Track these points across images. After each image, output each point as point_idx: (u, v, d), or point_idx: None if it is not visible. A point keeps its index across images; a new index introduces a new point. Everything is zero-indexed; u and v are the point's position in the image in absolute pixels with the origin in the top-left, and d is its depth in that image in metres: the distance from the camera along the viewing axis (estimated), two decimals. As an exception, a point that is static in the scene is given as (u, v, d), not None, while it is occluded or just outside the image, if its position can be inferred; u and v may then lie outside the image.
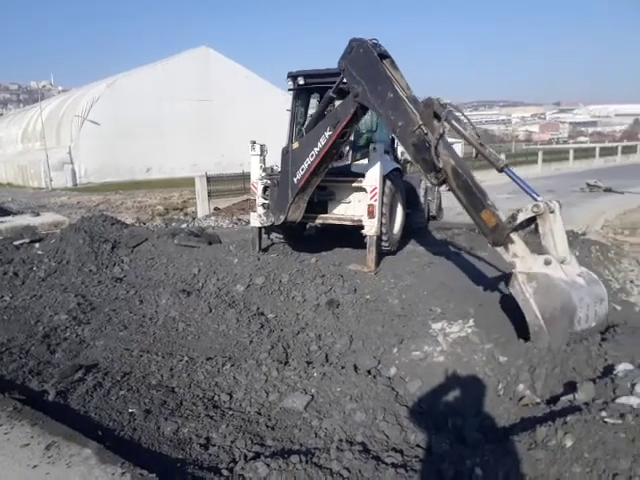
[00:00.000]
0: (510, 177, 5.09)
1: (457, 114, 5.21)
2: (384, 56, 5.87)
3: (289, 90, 8.45)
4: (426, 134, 5.23)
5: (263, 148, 8.09)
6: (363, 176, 7.62)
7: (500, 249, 4.92)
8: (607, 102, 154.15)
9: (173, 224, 13.01)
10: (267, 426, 3.76)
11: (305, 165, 6.92)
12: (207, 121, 32.86)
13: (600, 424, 3.21)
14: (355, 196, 7.91)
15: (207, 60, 34.94)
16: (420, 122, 5.29)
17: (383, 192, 7.67)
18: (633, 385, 3.49)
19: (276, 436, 3.64)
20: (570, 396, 3.65)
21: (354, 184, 7.74)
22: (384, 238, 7.85)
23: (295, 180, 7.09)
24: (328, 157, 6.82)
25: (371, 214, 7.49)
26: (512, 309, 5.32)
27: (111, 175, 29.48)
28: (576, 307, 4.29)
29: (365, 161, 7.71)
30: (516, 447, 3.16)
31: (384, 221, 7.69)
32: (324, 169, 7.05)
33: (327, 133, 6.59)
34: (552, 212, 4.68)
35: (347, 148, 8.18)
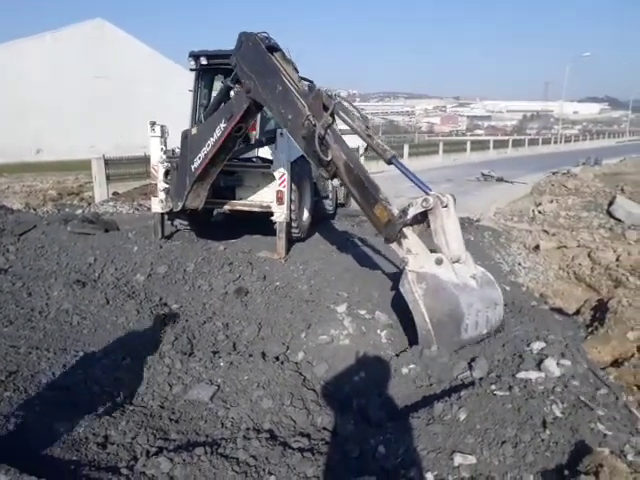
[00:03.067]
0: (398, 169, 4.93)
1: (346, 105, 5.08)
2: (274, 49, 5.76)
3: (191, 70, 8.12)
4: (314, 126, 5.07)
5: (164, 129, 7.73)
6: (271, 162, 7.54)
7: (394, 245, 4.64)
8: (500, 98, 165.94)
9: (67, 210, 12.08)
10: (171, 419, 3.62)
11: (202, 154, 6.70)
12: (105, 100, 30.73)
13: (490, 397, 3.46)
14: (264, 182, 7.82)
15: (103, 34, 32.55)
16: (308, 114, 5.17)
17: (292, 179, 7.65)
18: (541, 361, 3.76)
19: (180, 429, 3.52)
20: (467, 373, 3.88)
21: (263, 170, 7.65)
22: (294, 225, 7.85)
23: (192, 168, 6.86)
24: (225, 149, 6.64)
25: (280, 200, 7.45)
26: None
27: (-6, 156, 26.76)
28: (464, 314, 4.04)
29: (272, 147, 7.63)
30: (415, 423, 3.32)
31: (293, 208, 7.68)
32: (222, 160, 6.83)
33: (222, 125, 6.39)
34: (445, 207, 4.38)
35: (254, 133, 8.05)
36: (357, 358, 4.62)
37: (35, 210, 12.20)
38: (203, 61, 7.72)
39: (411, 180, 4.84)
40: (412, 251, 4.45)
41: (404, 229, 4.50)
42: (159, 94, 29.31)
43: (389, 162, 4.92)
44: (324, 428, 3.51)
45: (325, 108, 5.06)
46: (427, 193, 4.46)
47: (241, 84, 6.09)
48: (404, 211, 4.49)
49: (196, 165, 6.81)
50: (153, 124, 7.66)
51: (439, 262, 4.21)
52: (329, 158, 5.06)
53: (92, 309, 5.51)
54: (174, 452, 3.11)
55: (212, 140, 6.54)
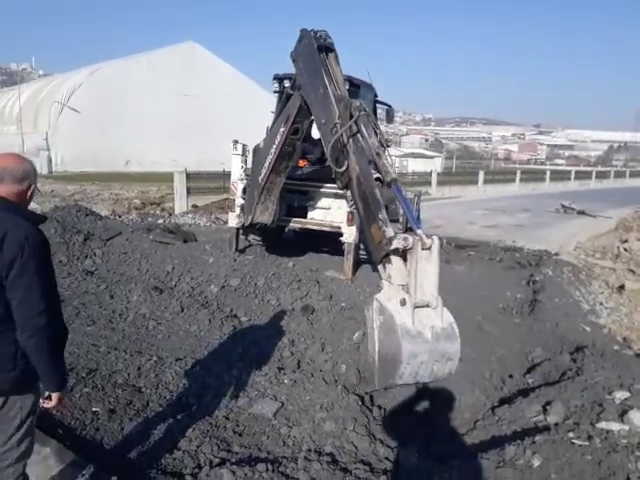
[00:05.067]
0: (395, 195, 4.68)
1: (368, 120, 4.93)
2: (329, 49, 5.76)
3: (274, 92, 8.40)
4: (341, 135, 5.02)
5: (245, 148, 8.02)
6: (345, 183, 7.59)
7: (379, 267, 4.37)
8: (584, 127, 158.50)
9: (149, 219, 12.77)
10: (235, 432, 3.68)
11: (266, 164, 6.87)
12: (190, 117, 32.47)
13: (568, 445, 3.25)
14: (335, 202, 7.89)
15: (192, 55, 34.60)
16: (337, 121, 5.16)
17: (363, 200, 7.64)
18: (624, 412, 3.50)
19: (243, 442, 3.56)
20: (541, 417, 3.67)
21: (335, 191, 7.73)
22: (362, 246, 7.84)
23: (259, 179, 7.04)
24: (285, 155, 6.73)
25: (350, 221, 7.47)
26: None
27: (88, 165, 28.87)
28: (401, 362, 3.80)
29: (347, 168, 7.68)
30: (484, 464, 3.16)
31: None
32: (285, 168, 6.93)
33: (281, 130, 6.54)
34: (427, 249, 4.00)
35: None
36: (423, 389, 4.49)
37: (120, 217, 13.00)
38: (287, 83, 7.97)
39: (404, 211, 4.61)
40: (391, 280, 4.19)
41: (391, 256, 4.21)
42: (242, 114, 30.54)
43: (388, 185, 4.63)
44: (386, 458, 3.43)
45: (352, 117, 5.00)
46: (414, 230, 4.06)
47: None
48: (390, 239, 4.16)
49: (262, 176, 6.99)
50: (235, 143, 7.98)
51: (402, 303, 3.94)
52: (344, 168, 4.96)
53: (167, 315, 5.76)
54: (236, 465, 3.15)
55: (274, 147, 6.71)
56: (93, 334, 5.16)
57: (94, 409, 3.73)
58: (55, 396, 2.23)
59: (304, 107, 6.17)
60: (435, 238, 3.97)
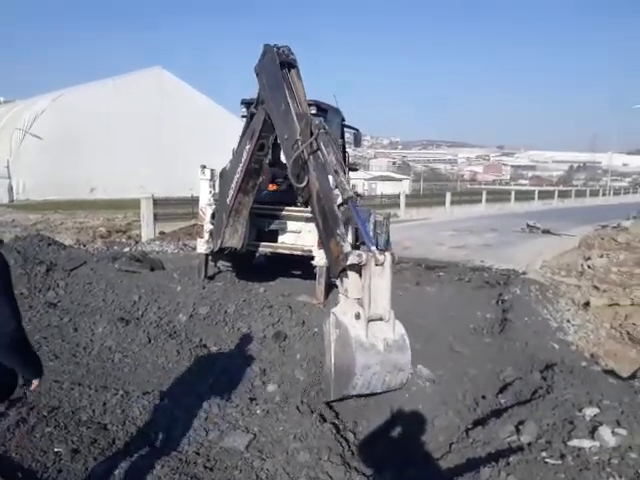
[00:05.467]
0: (350, 214, 4.84)
1: (328, 139, 5.15)
2: (291, 65, 5.86)
3: (242, 117, 8.43)
4: (302, 151, 5.20)
5: (213, 173, 7.98)
6: (314, 207, 7.61)
7: (337, 281, 4.65)
8: (545, 148, 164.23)
9: (115, 247, 12.50)
10: (205, 467, 3.55)
11: (233, 184, 6.87)
12: (157, 142, 32.23)
13: (541, 465, 3.26)
14: (306, 226, 7.88)
15: (160, 81, 34.52)
16: (298, 138, 5.28)
17: (334, 224, 7.67)
18: (594, 428, 3.54)
19: (215, 478, 3.44)
20: (514, 437, 3.68)
21: (305, 214, 7.73)
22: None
23: (227, 201, 7.01)
24: (252, 172, 6.75)
25: (321, 245, 7.47)
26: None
27: (52, 193, 28.18)
28: (355, 374, 3.99)
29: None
30: (460, 489, 3.13)
31: (334, 253, 7.68)
32: (252, 187, 6.93)
33: (247, 147, 6.59)
34: (380, 265, 4.25)
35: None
36: (398, 413, 4.46)
37: (85, 246, 12.68)
38: (254, 109, 8.02)
39: (359, 228, 4.71)
40: (347, 294, 4.43)
41: (348, 271, 4.43)
42: (211, 139, 30.43)
43: (344, 202, 4.83)
44: (362, 487, 3.36)
45: (312, 135, 5.15)
46: (369, 247, 4.34)
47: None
48: (346, 255, 4.41)
49: (230, 197, 6.95)
50: (203, 168, 7.93)
51: (357, 317, 4.18)
52: (304, 184, 5.16)
53: (134, 347, 5.58)
54: (207, 503, 3.04)
55: (240, 166, 6.71)
56: (56, 369, 4.95)
57: (56, 449, 3.55)
58: (36, 381, 2.53)
59: (268, 121, 6.23)
60: (387, 254, 4.29)
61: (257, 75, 6.27)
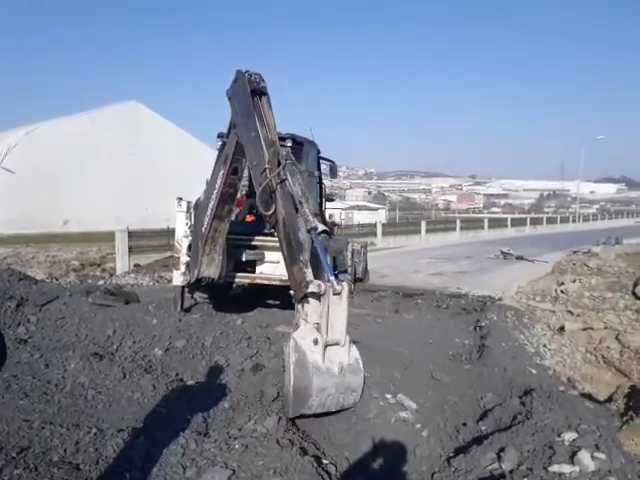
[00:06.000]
0: (312, 243, 5.08)
1: (294, 169, 5.39)
2: (262, 93, 5.97)
3: (218, 150, 8.49)
4: (270, 180, 5.39)
5: (189, 205, 7.96)
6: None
7: (299, 306, 4.86)
8: (516, 177, 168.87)
9: (89, 281, 12.28)
10: (183, 506, 3.43)
11: (208, 211, 6.88)
12: (133, 175, 32.06)
13: (523, 492, 3.24)
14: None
15: (136, 114, 34.61)
16: (267, 166, 5.46)
17: (311, 254, 7.70)
18: (574, 453, 3.55)
19: (192, 517, 3.32)
20: (496, 464, 3.66)
21: (283, 245, 7.74)
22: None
23: (203, 229, 7.00)
24: (227, 197, 6.80)
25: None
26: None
27: (24, 227, 27.60)
28: (311, 396, 4.31)
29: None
30: (444, 520, 3.09)
31: (312, 282, 7.68)
32: (227, 213, 6.97)
33: (221, 172, 6.68)
34: (338, 294, 4.53)
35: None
36: (379, 443, 4.41)
37: (58, 280, 12.41)
38: (225, 137, 8.10)
39: (319, 258, 4.92)
40: (307, 319, 4.68)
41: (309, 297, 4.67)
42: (187, 171, 30.43)
43: (308, 232, 5.09)
44: (344, 522, 3.29)
45: (280, 164, 5.36)
46: (327, 278, 4.61)
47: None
48: (307, 283, 4.66)
49: (205, 225, 6.94)
50: (180, 200, 7.91)
51: (315, 342, 4.46)
52: (272, 211, 5.38)
53: (108, 383, 5.42)
54: None
55: (215, 192, 6.75)
56: (26, 408, 4.75)
57: (25, 493, 3.40)
58: None
59: (240, 145, 6.33)
60: (345, 284, 4.57)
61: (229, 99, 6.39)
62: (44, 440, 4.11)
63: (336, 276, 4.72)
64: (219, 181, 6.71)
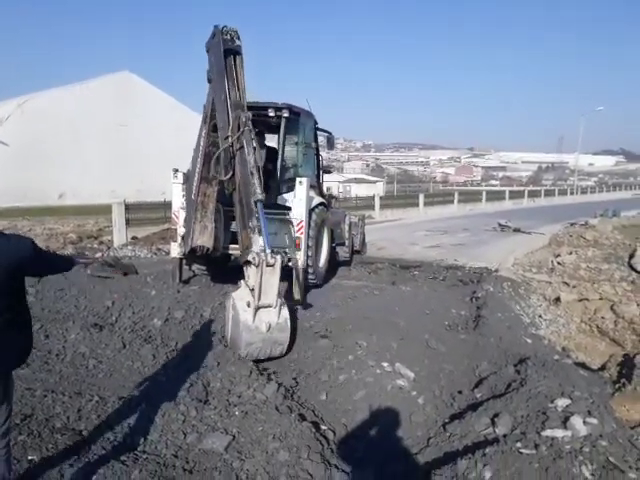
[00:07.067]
0: (256, 215, 5.52)
1: (251, 139, 5.68)
2: (237, 52, 5.90)
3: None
4: (231, 145, 5.63)
5: (186, 176, 7.90)
6: (289, 209, 7.63)
7: (244, 268, 5.49)
8: (514, 150, 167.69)
9: (86, 253, 12.26)
10: (184, 470, 3.51)
11: (195, 176, 6.90)
12: (128, 147, 31.74)
13: (516, 455, 3.33)
14: (282, 228, 7.89)
15: (128, 85, 34.03)
16: (229, 133, 5.66)
17: (309, 225, 7.71)
18: (566, 418, 3.63)
19: (194, 480, 3.41)
20: (490, 429, 3.75)
21: (281, 217, 7.73)
22: (310, 271, 7.85)
23: (192, 196, 6.99)
24: (211, 158, 6.70)
25: (297, 247, 7.49)
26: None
27: (19, 199, 27.43)
28: (240, 347, 5.18)
29: (291, 195, 7.75)
30: (439, 481, 3.18)
31: (310, 254, 7.72)
32: (214, 175, 6.79)
33: (203, 132, 6.77)
34: (271, 266, 5.12)
35: (274, 181, 8.19)
36: (376, 410, 4.50)
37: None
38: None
39: (260, 231, 5.47)
40: (248, 282, 5.31)
41: (251, 262, 5.25)
42: (182, 143, 30.09)
43: (255, 204, 5.52)
44: (342, 484, 3.38)
45: (239, 129, 5.64)
46: (264, 249, 5.23)
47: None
48: (248, 251, 5.32)
49: (194, 190, 6.91)
50: (176, 171, 7.85)
51: (248, 305, 5.19)
52: (229, 175, 5.68)
53: (108, 353, 5.48)
54: (187, 505, 3.01)
55: (199, 156, 6.80)
56: (27, 377, 4.81)
57: (30, 457, 3.47)
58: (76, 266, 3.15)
59: None
60: (278, 257, 5.19)
61: (207, 51, 6.29)
62: (47, 408, 4.19)
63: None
64: (202, 141, 6.68)
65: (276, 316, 5.23)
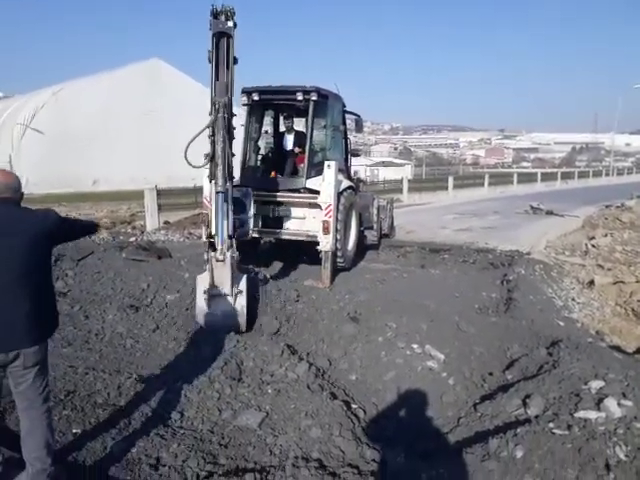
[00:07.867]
0: (215, 203, 5.78)
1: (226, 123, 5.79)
2: (228, 35, 5.83)
3: (243, 105, 8.43)
4: (210, 127, 5.81)
5: None
6: (318, 193, 7.66)
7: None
8: (547, 130, 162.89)
9: (121, 237, 12.58)
10: (220, 444, 3.64)
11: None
12: (158, 134, 32.09)
13: (549, 435, 3.32)
14: (310, 212, 7.94)
15: (158, 72, 34.33)
16: (211, 115, 5.85)
17: (337, 209, 7.74)
18: (600, 400, 3.60)
19: (229, 454, 3.53)
20: (521, 410, 3.74)
21: (310, 201, 7.77)
22: (339, 254, 7.89)
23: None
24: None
25: (326, 230, 7.53)
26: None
27: (55, 186, 28.18)
28: (201, 325, 5.70)
29: (320, 178, 7.77)
30: (469, 459, 3.22)
31: (339, 237, 7.75)
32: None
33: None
34: (221, 261, 5.55)
35: (303, 165, 8.23)
36: (406, 391, 4.55)
37: (91, 237, 12.75)
38: (255, 97, 8.03)
39: (217, 221, 5.80)
40: (211, 267, 5.58)
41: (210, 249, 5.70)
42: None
43: (216, 192, 5.75)
44: (374, 460, 3.44)
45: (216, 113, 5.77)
46: (220, 244, 5.65)
47: None
48: (206, 242, 5.97)
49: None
50: (206, 156, 7.92)
51: (204, 292, 5.61)
52: (212, 152, 5.82)
53: (144, 333, 5.67)
54: (224, 477, 3.13)
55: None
56: (69, 355, 5.04)
57: (74, 431, 3.65)
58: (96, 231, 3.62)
59: None
60: (228, 255, 5.58)
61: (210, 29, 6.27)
62: (88, 384, 4.38)
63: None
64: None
65: (231, 304, 5.62)
